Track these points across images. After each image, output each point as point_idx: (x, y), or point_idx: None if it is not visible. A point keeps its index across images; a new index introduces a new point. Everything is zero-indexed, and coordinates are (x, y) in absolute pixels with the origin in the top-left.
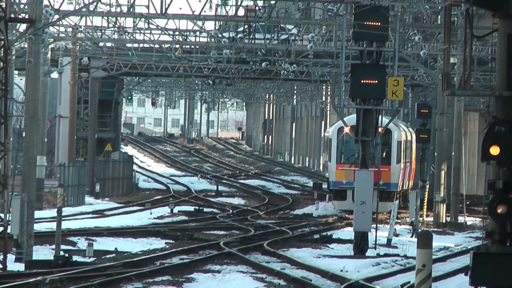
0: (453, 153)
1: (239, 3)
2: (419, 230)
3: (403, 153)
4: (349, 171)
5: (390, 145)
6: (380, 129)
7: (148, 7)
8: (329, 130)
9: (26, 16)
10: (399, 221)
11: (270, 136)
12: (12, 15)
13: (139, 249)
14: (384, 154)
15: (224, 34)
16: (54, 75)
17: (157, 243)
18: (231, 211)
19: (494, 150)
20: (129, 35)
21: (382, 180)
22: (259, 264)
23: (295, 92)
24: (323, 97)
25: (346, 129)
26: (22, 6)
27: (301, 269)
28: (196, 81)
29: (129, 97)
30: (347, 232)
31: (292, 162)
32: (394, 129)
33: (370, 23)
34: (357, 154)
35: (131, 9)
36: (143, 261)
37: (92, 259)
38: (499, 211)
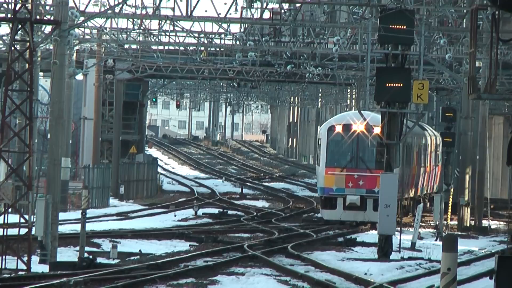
0: (477, 157)
1: (264, 6)
2: (444, 234)
3: (406, 157)
4: (339, 176)
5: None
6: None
7: (173, 9)
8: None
9: (52, 18)
10: (423, 224)
11: (294, 139)
12: (38, 17)
13: (163, 251)
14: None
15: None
16: (79, 77)
17: (181, 246)
18: (255, 213)
19: None
20: (154, 37)
21: (376, 187)
22: (283, 267)
23: (320, 95)
24: (348, 100)
25: (338, 128)
26: (47, 8)
27: (325, 272)
28: (221, 84)
29: (154, 99)
30: (371, 235)
31: None
32: None
33: (395, 26)
34: (350, 156)
35: (157, 11)
36: (167, 263)
37: (116, 261)
38: None
